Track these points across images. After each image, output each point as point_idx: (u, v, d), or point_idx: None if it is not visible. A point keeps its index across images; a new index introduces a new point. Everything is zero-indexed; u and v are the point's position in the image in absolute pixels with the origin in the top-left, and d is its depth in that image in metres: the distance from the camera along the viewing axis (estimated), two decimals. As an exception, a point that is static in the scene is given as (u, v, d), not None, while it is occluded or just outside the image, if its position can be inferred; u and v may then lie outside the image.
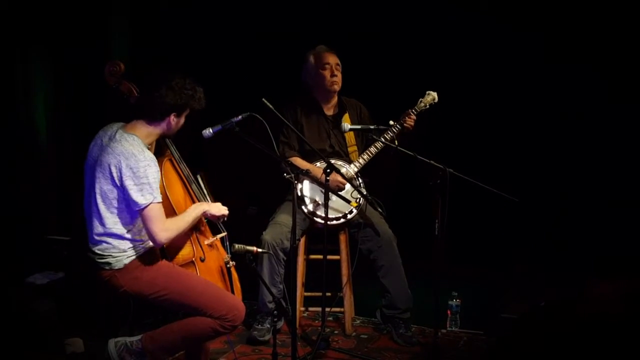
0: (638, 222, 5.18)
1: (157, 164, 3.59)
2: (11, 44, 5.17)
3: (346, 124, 4.50)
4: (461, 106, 5.46)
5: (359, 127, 4.60)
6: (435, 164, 4.19)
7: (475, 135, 5.59)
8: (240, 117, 3.86)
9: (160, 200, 3.57)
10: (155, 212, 3.55)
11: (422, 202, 4.67)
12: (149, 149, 3.63)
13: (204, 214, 3.82)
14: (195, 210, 3.76)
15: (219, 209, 3.86)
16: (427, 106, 4.76)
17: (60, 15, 5.37)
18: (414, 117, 4.70)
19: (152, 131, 3.66)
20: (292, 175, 3.89)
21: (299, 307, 4.89)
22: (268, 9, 5.72)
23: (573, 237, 5.38)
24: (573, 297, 4.97)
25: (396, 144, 4.54)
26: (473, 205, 5.07)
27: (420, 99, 4.77)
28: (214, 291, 3.70)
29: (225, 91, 5.38)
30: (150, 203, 3.52)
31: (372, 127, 4.50)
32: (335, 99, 4.93)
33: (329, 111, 4.93)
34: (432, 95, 4.77)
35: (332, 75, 4.82)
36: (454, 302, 4.94)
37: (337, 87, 4.85)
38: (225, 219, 3.92)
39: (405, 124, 4.67)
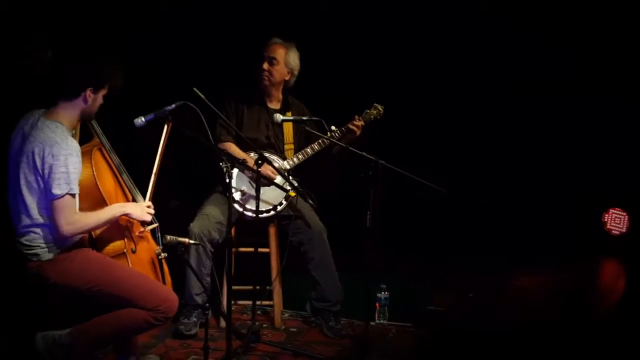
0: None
1: (79, 154, 3.49)
2: None
3: (278, 115, 4.46)
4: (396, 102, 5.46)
5: (291, 118, 4.57)
6: (368, 155, 4.19)
7: (408, 130, 5.62)
8: (173, 105, 3.80)
9: (76, 192, 3.46)
10: (66, 204, 3.43)
11: (353, 194, 4.69)
12: (73, 136, 3.54)
13: (123, 215, 3.70)
14: (113, 211, 3.64)
15: (142, 213, 3.74)
16: (372, 118, 4.77)
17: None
18: (362, 122, 4.71)
19: (72, 113, 3.56)
20: (228, 165, 3.84)
21: (228, 301, 4.82)
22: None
23: (497, 230, 5.48)
24: (497, 288, 5.11)
25: (332, 135, 4.54)
26: (404, 198, 5.10)
27: (367, 110, 4.78)
28: (146, 283, 3.63)
29: (164, 81, 5.27)
30: (65, 194, 3.42)
31: (304, 118, 4.46)
32: (279, 94, 4.88)
33: (273, 105, 4.89)
34: (379, 109, 4.78)
35: (262, 68, 4.78)
36: (383, 295, 4.96)
37: (265, 82, 4.81)
38: (151, 219, 3.83)
39: (351, 127, 4.66)
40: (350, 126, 4.69)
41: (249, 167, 4.21)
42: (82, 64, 3.55)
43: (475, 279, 5.20)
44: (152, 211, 3.81)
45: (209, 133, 3.93)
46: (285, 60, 4.80)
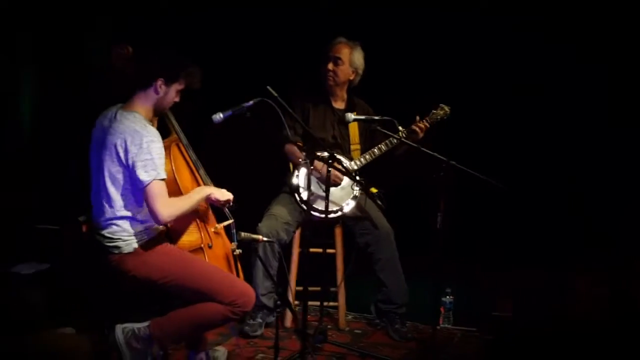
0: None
1: (160, 139, 3.52)
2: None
3: (350, 114, 4.43)
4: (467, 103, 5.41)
5: (363, 117, 4.54)
6: (439, 156, 4.17)
7: (484, 132, 5.54)
8: (251, 102, 3.79)
9: (164, 177, 3.49)
10: (158, 189, 3.46)
11: (418, 196, 4.67)
12: (152, 125, 3.57)
13: (208, 198, 3.72)
14: (200, 193, 3.67)
15: (223, 194, 3.77)
16: (438, 118, 4.75)
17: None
18: (427, 124, 4.69)
19: (146, 103, 3.59)
20: (308, 161, 3.84)
21: (293, 301, 4.83)
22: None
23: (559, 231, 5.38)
24: (561, 298, 5.03)
25: (401, 136, 4.52)
26: (474, 200, 5.03)
27: (433, 111, 4.75)
28: (224, 277, 3.64)
29: (234, 78, 5.29)
30: (154, 179, 3.44)
31: (376, 117, 4.45)
32: (344, 94, 4.89)
33: (338, 104, 4.89)
34: (445, 110, 4.76)
35: (327, 68, 4.79)
36: (448, 299, 4.94)
37: (330, 82, 4.81)
38: (231, 203, 3.83)
39: (415, 128, 4.63)
40: (414, 127, 4.65)
41: (340, 169, 4.21)
42: (155, 53, 3.60)
43: (540, 282, 5.11)
44: (230, 195, 3.80)
45: (287, 130, 3.93)
46: (350, 60, 4.80)
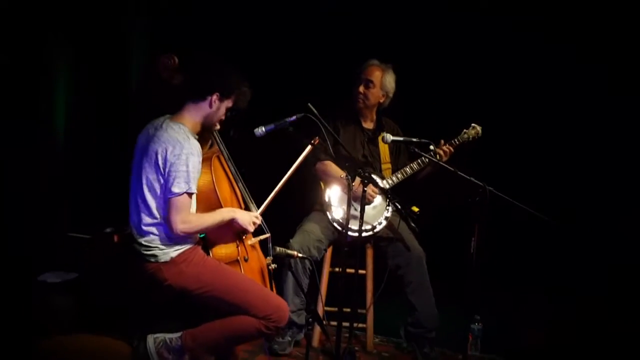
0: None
1: (200, 154, 3.53)
2: (34, 50, 5.03)
3: (388, 135, 4.41)
4: (504, 126, 5.38)
5: (401, 139, 4.52)
6: (476, 180, 4.14)
7: (517, 155, 5.50)
8: (294, 117, 3.80)
9: (194, 192, 3.49)
10: (183, 203, 3.46)
11: (452, 220, 4.62)
12: (196, 139, 3.56)
13: (233, 221, 3.68)
14: (223, 214, 3.64)
15: (248, 221, 3.71)
16: (470, 139, 4.73)
17: (81, 12, 5.24)
18: (451, 148, 4.67)
19: (195, 116, 3.59)
20: (350, 176, 3.83)
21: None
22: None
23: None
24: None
25: (438, 158, 4.50)
26: (507, 225, 4.98)
27: (465, 130, 4.74)
28: (259, 290, 3.62)
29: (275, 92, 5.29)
30: (183, 193, 3.44)
31: (414, 139, 4.43)
32: (373, 115, 4.89)
33: (367, 124, 4.89)
34: (477, 129, 4.74)
35: (358, 91, 4.78)
36: (476, 326, 4.88)
37: (360, 104, 4.80)
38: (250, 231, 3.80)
39: (439, 151, 4.62)
40: (438, 150, 4.63)
41: (375, 182, 4.18)
42: (214, 67, 3.59)
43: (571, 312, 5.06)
44: (258, 222, 3.79)
45: (329, 145, 3.92)
46: (382, 83, 4.79)
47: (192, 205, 3.55)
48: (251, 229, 3.76)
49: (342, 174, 4.38)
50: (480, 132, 4.75)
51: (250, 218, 3.74)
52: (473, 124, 4.77)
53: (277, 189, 3.88)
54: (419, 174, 4.77)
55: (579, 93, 5.32)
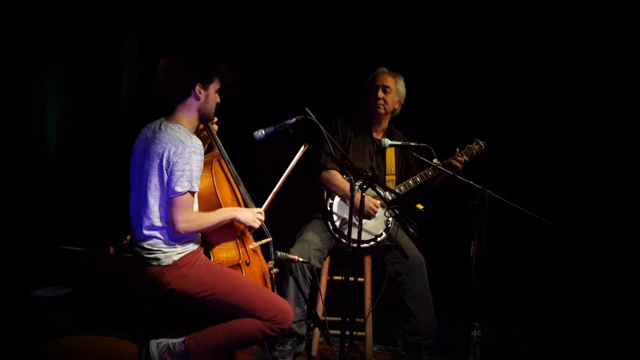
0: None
1: (202, 152, 3.52)
2: (27, 52, 5.00)
3: (387, 140, 4.41)
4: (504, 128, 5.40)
5: (399, 142, 4.52)
6: (474, 184, 4.14)
7: (517, 157, 5.50)
8: (294, 119, 3.79)
9: (196, 191, 3.48)
10: (185, 202, 3.44)
11: (452, 224, 4.60)
12: (196, 137, 3.55)
13: (233, 219, 3.66)
14: (224, 214, 3.62)
15: (252, 218, 3.69)
16: (473, 153, 4.72)
17: (74, 22, 5.23)
18: (465, 157, 4.67)
19: (189, 114, 3.59)
20: (352, 177, 3.81)
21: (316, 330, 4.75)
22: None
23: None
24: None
25: (435, 162, 4.49)
26: (505, 230, 4.96)
27: (468, 145, 4.73)
28: (263, 292, 3.59)
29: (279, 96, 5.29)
30: (186, 192, 3.42)
31: (412, 143, 4.42)
32: (385, 124, 4.87)
33: (377, 134, 4.87)
34: (480, 145, 4.74)
35: (377, 97, 4.76)
36: (475, 333, 4.82)
37: (381, 110, 4.77)
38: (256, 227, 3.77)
39: (454, 162, 4.61)
40: (453, 161, 4.62)
41: (380, 183, 4.18)
42: (185, 63, 3.58)
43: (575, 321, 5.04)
44: (262, 217, 3.76)
45: (330, 147, 3.91)
46: (397, 89, 4.80)
47: (195, 204, 3.53)
48: (257, 225, 3.73)
49: (347, 184, 4.39)
50: (483, 147, 4.74)
51: (253, 215, 3.72)
52: (477, 139, 4.76)
53: (275, 189, 3.87)
54: (433, 184, 4.75)
55: (579, 93, 5.37)
